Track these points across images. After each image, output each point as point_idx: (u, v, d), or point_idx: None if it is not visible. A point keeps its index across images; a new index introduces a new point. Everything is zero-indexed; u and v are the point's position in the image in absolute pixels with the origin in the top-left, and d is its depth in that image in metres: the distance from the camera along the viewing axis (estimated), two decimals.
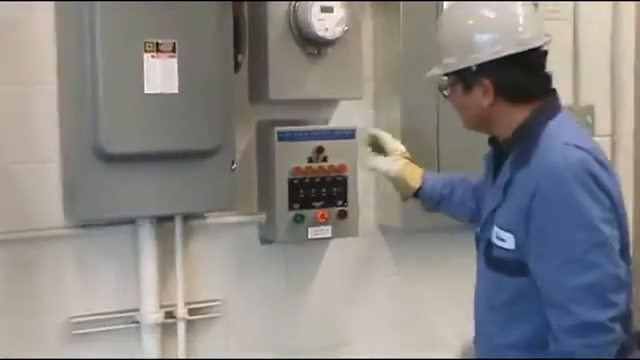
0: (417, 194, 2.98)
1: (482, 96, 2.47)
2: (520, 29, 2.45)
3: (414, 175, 2.97)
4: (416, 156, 3.44)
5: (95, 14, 2.91)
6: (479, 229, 2.63)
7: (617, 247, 2.32)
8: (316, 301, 3.69)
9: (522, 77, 2.47)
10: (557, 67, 4.17)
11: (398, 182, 2.99)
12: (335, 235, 3.45)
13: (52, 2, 3.12)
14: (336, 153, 3.41)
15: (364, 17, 3.55)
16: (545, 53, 2.53)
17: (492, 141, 2.65)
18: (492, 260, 2.52)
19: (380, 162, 3.02)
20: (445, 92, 2.59)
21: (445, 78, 2.59)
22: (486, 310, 2.60)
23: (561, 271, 2.29)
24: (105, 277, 3.29)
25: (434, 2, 3.55)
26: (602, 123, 4.29)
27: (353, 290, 3.76)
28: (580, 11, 4.17)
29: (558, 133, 2.42)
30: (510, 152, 2.50)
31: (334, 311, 3.73)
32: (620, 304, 2.29)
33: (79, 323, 3.23)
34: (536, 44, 2.47)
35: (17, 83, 3.12)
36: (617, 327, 2.28)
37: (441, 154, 3.63)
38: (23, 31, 3.11)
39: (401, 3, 3.54)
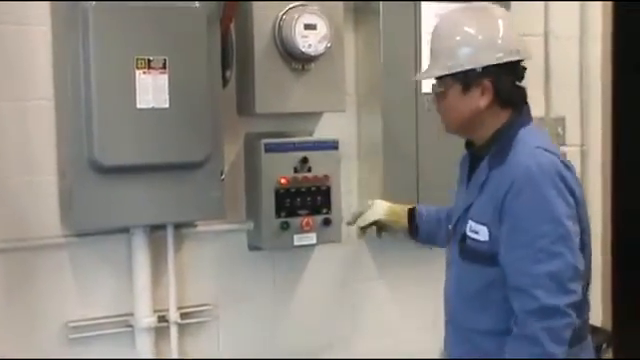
0: (413, 227, 2.98)
1: (479, 97, 2.53)
2: (516, 40, 2.56)
3: (401, 207, 3.02)
4: (396, 166, 3.50)
5: (89, 32, 2.93)
6: (452, 225, 2.68)
7: (577, 241, 2.44)
8: (302, 305, 3.70)
9: (511, 84, 2.57)
10: (530, 81, 4.26)
11: (390, 217, 3.00)
12: (320, 242, 3.47)
13: (49, 21, 3.12)
14: (320, 164, 3.44)
15: (346, 32, 3.57)
16: (525, 68, 2.63)
17: (468, 146, 2.71)
18: (465, 251, 2.59)
19: (366, 215, 3.03)
20: (438, 91, 2.61)
21: (434, 81, 2.65)
22: (457, 298, 2.67)
23: (529, 259, 2.38)
24: (100, 283, 3.29)
25: (413, 21, 3.61)
26: (572, 134, 4.34)
27: (337, 294, 3.78)
28: (550, 28, 4.22)
29: (529, 138, 2.52)
30: (484, 154, 2.57)
31: (319, 314, 3.74)
32: (577, 292, 2.41)
33: (76, 327, 3.22)
34: (526, 56, 2.58)
35: (16, 99, 3.12)
36: (572, 313, 2.39)
37: (420, 165, 3.67)
38: (21, 50, 3.11)
39: (381, 20, 3.55)
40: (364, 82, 3.72)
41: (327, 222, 3.45)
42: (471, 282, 2.58)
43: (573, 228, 2.42)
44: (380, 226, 3.04)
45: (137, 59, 2.99)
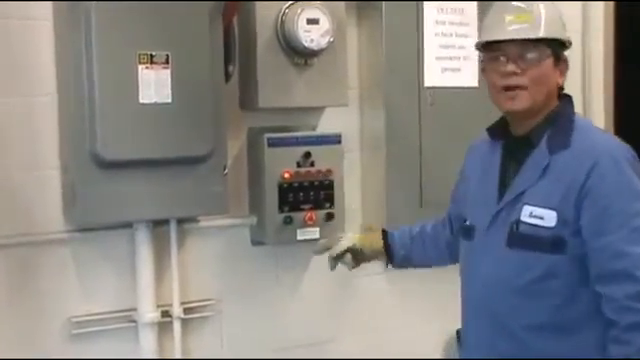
0: (389, 250, 2.94)
1: (559, 75, 2.53)
2: None
3: (373, 234, 2.98)
4: (399, 160, 3.50)
5: (91, 28, 2.92)
6: (493, 213, 2.54)
7: None
8: (305, 299, 3.69)
9: None
10: None
11: (364, 242, 2.95)
12: (323, 236, 3.41)
13: (51, 17, 3.12)
14: (323, 158, 3.44)
15: (348, 26, 3.56)
16: None
17: (495, 133, 2.64)
18: (517, 239, 2.48)
19: (341, 243, 2.94)
20: (531, 56, 2.48)
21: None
22: (499, 291, 2.51)
23: (625, 241, 2.33)
24: (103, 279, 3.28)
25: (415, 15, 3.61)
26: None
27: (340, 289, 3.75)
28: None
29: (589, 124, 2.55)
30: (538, 139, 2.50)
31: (322, 309, 3.73)
32: None
33: (79, 323, 3.21)
34: None
35: (19, 95, 3.11)
36: None
37: (423, 158, 3.67)
38: (24, 45, 3.10)
39: (383, 14, 3.55)
40: (367, 76, 3.71)
41: (330, 216, 3.45)
42: (525, 272, 2.45)
43: None
44: (354, 254, 2.94)
45: (139, 54, 2.98)
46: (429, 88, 3.66)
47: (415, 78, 3.63)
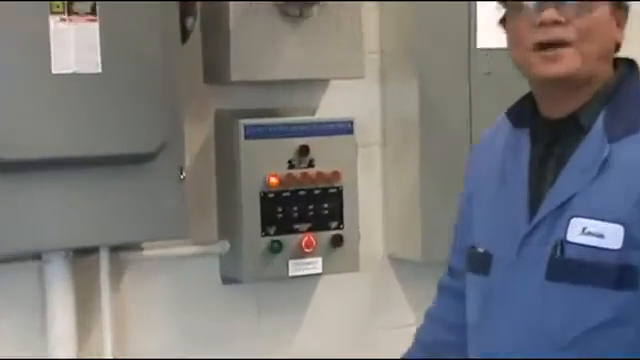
0: None
1: (615, 28, 2.35)
2: None
3: None
4: (439, 156, 3.53)
5: None
6: (523, 234, 2.40)
7: None
8: (299, 357, 3.51)
9: None
10: None
11: None
12: (327, 270, 3.31)
13: None
14: (327, 155, 3.28)
15: None
16: None
17: (518, 116, 2.49)
18: (564, 269, 2.31)
19: None
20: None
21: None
22: (538, 347, 2.37)
23: None
24: (2, 330, 3.15)
25: None
26: None
27: (352, 345, 3.62)
28: None
29: None
30: (587, 120, 2.36)
31: None
32: None
33: None
34: None
35: None
36: None
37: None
38: None
39: None
40: (392, 36, 3.59)
41: (338, 241, 3.29)
42: (574, 318, 2.29)
43: None
44: None
45: (51, 3, 2.85)
46: (484, 50, 3.52)
47: (464, 37, 3.50)
